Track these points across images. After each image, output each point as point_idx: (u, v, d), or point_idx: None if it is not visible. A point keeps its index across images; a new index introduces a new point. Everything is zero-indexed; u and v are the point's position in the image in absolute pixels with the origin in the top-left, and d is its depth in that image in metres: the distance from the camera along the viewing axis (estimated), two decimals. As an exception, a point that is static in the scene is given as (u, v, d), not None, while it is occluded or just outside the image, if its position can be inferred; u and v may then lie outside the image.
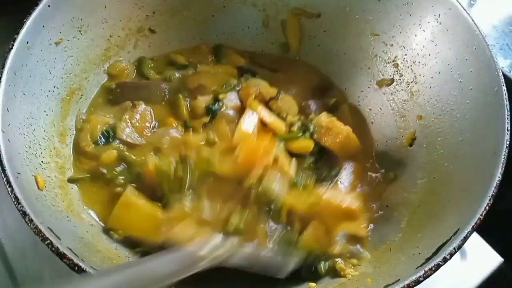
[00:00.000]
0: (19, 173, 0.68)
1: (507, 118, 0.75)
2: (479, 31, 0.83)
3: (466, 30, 0.84)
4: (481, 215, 0.67)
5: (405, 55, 0.95)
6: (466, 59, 0.83)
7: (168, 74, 0.99)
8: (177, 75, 0.99)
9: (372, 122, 0.99)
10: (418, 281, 0.63)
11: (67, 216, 0.74)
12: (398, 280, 0.64)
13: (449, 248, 0.65)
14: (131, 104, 0.91)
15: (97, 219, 0.81)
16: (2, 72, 0.72)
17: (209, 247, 0.70)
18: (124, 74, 0.97)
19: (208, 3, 1.02)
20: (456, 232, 0.67)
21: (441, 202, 0.78)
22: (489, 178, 0.70)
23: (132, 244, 0.79)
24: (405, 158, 0.92)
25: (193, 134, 0.88)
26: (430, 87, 0.90)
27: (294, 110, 0.95)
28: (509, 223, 0.98)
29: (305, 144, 0.90)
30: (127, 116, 0.89)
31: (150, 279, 0.60)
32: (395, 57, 0.96)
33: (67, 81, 0.87)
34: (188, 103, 0.93)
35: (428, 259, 0.66)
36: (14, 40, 0.75)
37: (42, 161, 0.77)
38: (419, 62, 0.93)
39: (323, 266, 0.79)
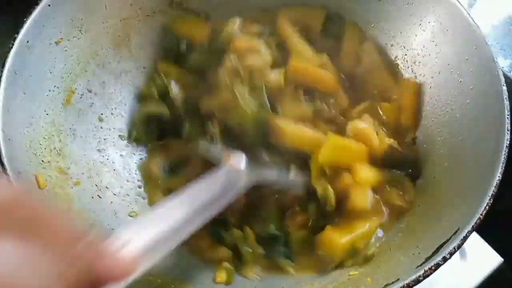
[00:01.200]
0: (20, 172, 0.68)
1: (507, 118, 0.75)
2: (479, 31, 0.83)
3: (466, 30, 0.84)
4: (481, 214, 0.67)
5: (405, 55, 0.95)
6: (466, 59, 0.83)
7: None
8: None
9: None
10: (418, 281, 0.63)
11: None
12: (398, 279, 0.65)
13: (449, 248, 0.65)
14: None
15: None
16: (2, 71, 0.72)
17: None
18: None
19: (208, 2, 1.02)
20: (456, 231, 0.67)
21: (441, 202, 0.79)
22: (489, 178, 0.70)
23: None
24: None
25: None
26: (430, 87, 0.91)
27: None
28: (509, 223, 0.98)
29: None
30: None
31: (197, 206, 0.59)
32: (395, 57, 0.96)
33: (67, 80, 0.87)
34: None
35: (428, 259, 0.66)
36: (14, 39, 0.75)
37: (42, 161, 0.77)
38: (419, 62, 0.93)
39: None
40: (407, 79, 0.93)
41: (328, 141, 0.79)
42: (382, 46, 0.97)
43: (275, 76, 0.86)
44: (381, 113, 0.90)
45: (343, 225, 0.79)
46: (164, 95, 0.93)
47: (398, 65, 0.95)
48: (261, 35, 0.92)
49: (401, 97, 0.91)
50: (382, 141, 0.83)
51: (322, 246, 0.79)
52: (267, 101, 0.85)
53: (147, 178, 0.90)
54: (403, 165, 0.85)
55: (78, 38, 0.88)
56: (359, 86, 0.94)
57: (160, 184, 0.89)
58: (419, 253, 0.70)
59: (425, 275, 0.64)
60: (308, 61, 0.90)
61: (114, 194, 0.87)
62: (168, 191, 0.85)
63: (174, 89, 0.92)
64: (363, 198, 0.79)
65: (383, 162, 0.83)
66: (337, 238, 0.77)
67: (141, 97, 0.96)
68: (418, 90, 0.91)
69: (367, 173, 0.80)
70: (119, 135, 0.94)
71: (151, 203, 0.88)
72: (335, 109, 0.88)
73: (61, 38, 0.84)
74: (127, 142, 0.94)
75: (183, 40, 0.96)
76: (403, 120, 0.90)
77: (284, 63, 0.90)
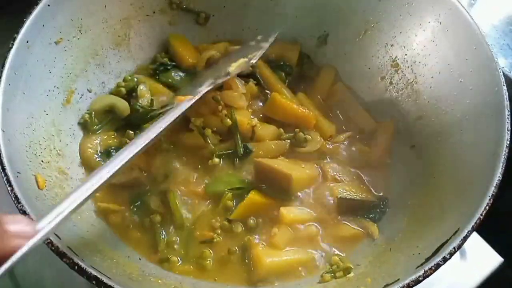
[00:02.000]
0: (19, 173, 0.68)
1: (507, 118, 0.75)
2: (479, 31, 0.83)
3: (466, 30, 0.84)
4: (481, 215, 0.67)
5: (406, 55, 0.95)
6: (466, 59, 0.83)
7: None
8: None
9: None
10: (417, 281, 0.63)
11: (67, 216, 0.74)
12: (398, 279, 0.65)
13: (449, 248, 0.65)
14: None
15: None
16: (2, 71, 0.72)
17: None
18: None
19: (208, 2, 1.02)
20: (456, 232, 0.67)
21: (441, 202, 0.79)
22: (489, 178, 0.70)
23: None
24: (405, 158, 0.92)
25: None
26: (431, 87, 0.90)
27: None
28: (509, 223, 0.98)
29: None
30: None
31: None
32: (395, 57, 0.96)
33: (67, 80, 0.87)
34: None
35: (428, 259, 0.66)
36: (14, 39, 0.75)
37: (42, 161, 0.77)
38: (420, 62, 0.93)
39: None
40: (385, 121, 0.97)
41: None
42: (354, 89, 1.01)
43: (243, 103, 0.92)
44: (355, 149, 0.95)
45: (272, 248, 0.82)
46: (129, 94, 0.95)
47: (373, 107, 0.99)
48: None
49: (377, 136, 0.95)
50: (333, 193, 0.87)
51: (252, 260, 0.80)
52: (239, 141, 0.89)
53: (82, 156, 0.88)
54: (359, 211, 0.87)
55: (78, 38, 0.88)
56: (341, 116, 0.99)
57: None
58: (419, 253, 0.70)
59: (425, 275, 0.64)
60: (287, 99, 0.95)
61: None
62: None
63: (143, 88, 0.94)
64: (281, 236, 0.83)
65: (337, 208, 0.87)
66: (264, 257, 0.79)
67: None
68: (393, 131, 0.95)
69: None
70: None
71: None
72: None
73: (61, 38, 0.84)
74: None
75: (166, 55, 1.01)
76: (373, 159, 0.94)
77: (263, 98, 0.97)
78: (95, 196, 0.82)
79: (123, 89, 0.94)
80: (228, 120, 0.90)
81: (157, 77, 0.99)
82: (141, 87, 0.94)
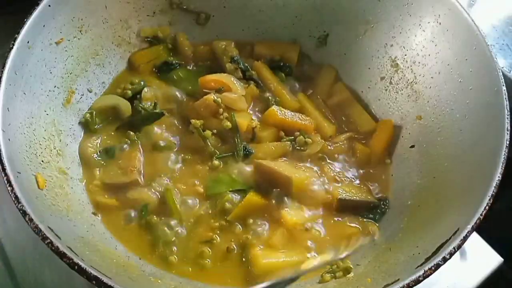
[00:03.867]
0: (19, 173, 0.68)
1: (507, 118, 0.75)
2: (479, 31, 0.83)
3: (466, 30, 0.84)
4: (480, 215, 0.67)
5: (405, 55, 0.95)
6: (466, 59, 0.84)
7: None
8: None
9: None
10: (417, 281, 0.63)
11: (67, 216, 0.74)
12: (398, 279, 0.65)
13: (449, 248, 0.65)
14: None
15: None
16: (2, 71, 0.72)
17: None
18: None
19: (208, 2, 1.02)
20: (456, 232, 0.67)
21: (441, 202, 0.79)
22: (489, 178, 0.70)
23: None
24: (405, 158, 0.92)
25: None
26: (430, 87, 0.91)
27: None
28: (509, 223, 0.99)
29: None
30: None
31: None
32: (395, 57, 0.96)
33: (67, 80, 0.87)
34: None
35: (427, 259, 0.66)
36: (14, 39, 0.75)
37: (42, 161, 0.77)
38: (419, 62, 0.93)
39: None
40: (384, 119, 0.97)
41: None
42: (354, 89, 1.01)
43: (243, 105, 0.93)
44: (355, 149, 0.94)
45: (269, 249, 0.82)
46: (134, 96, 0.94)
47: (372, 107, 1.00)
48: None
49: (376, 135, 0.95)
50: (333, 194, 0.87)
51: (250, 261, 0.80)
52: (240, 144, 0.89)
53: (82, 155, 0.88)
54: (360, 212, 0.87)
55: (79, 38, 0.88)
56: (341, 116, 1.00)
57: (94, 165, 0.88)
58: (419, 253, 0.70)
59: (425, 275, 0.64)
60: (285, 105, 0.96)
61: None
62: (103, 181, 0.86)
63: (147, 91, 0.94)
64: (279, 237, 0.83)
65: (338, 209, 0.87)
66: (261, 258, 0.79)
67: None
68: (392, 130, 0.95)
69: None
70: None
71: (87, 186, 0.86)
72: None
73: (62, 38, 0.84)
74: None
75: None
76: (373, 160, 0.94)
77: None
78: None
79: (129, 92, 0.94)
80: (229, 123, 0.90)
81: (158, 74, 1.00)
82: (146, 90, 0.94)
